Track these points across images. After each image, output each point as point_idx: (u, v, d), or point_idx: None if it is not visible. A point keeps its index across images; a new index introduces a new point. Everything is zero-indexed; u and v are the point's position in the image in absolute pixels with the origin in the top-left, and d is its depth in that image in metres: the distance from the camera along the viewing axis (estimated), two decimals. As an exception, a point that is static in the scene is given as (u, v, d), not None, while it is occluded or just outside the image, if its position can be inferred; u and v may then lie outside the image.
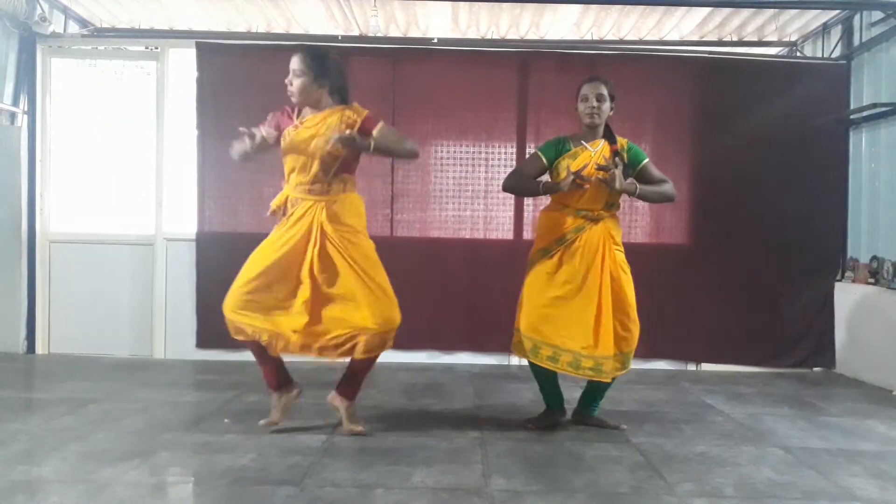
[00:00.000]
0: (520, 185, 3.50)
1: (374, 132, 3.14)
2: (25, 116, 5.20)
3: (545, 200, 4.99)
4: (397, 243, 5.08)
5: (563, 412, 3.51)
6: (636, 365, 5.06)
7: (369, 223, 4.97)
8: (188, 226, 5.10)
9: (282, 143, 3.15)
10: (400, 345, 5.01)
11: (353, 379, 3.30)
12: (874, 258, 4.86)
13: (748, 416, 3.81)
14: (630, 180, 3.31)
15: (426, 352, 5.17)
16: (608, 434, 3.39)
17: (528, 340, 3.28)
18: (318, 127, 3.10)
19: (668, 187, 3.42)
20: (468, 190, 5.16)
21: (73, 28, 5.48)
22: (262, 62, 5.01)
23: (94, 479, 2.63)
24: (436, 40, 5.51)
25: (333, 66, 3.20)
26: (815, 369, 5.15)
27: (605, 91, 3.28)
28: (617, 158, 3.29)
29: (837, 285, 5.14)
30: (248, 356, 4.92)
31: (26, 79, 5.19)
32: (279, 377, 3.28)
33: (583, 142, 3.34)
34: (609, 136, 3.36)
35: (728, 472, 2.88)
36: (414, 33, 5.69)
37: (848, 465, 3.01)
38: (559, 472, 2.85)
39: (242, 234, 4.98)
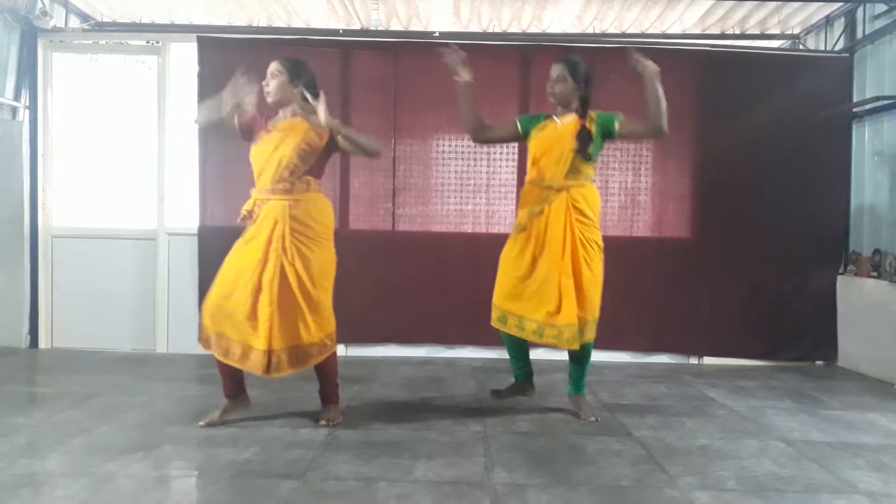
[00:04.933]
0: (475, 126, 3.61)
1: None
2: (27, 111, 5.19)
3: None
4: (399, 238, 5.08)
5: (531, 386, 3.74)
6: (638, 358, 5.12)
7: (372, 217, 5.07)
8: (190, 220, 5.10)
9: (252, 147, 3.28)
10: (402, 339, 5.12)
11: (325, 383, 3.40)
12: (876, 251, 4.85)
13: (750, 410, 3.81)
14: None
15: (428, 346, 5.18)
16: (610, 427, 3.40)
17: (496, 310, 3.52)
18: (287, 131, 3.23)
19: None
20: (470, 184, 5.16)
21: (74, 22, 5.48)
22: (263, 56, 4.93)
23: (98, 473, 2.64)
24: (437, 34, 5.51)
25: (308, 73, 3.33)
26: (818, 363, 5.15)
27: (562, 72, 3.44)
28: (582, 133, 3.37)
29: (840, 279, 5.13)
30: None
31: (28, 73, 5.18)
32: (236, 386, 3.35)
33: (554, 116, 3.53)
34: (582, 110, 3.47)
35: (730, 466, 2.88)
36: (415, 27, 5.68)
37: (850, 458, 3.01)
38: (561, 465, 2.85)
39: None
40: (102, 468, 2.69)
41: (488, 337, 5.10)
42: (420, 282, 5.06)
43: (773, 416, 3.68)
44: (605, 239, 3.43)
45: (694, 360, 5.18)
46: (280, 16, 5.54)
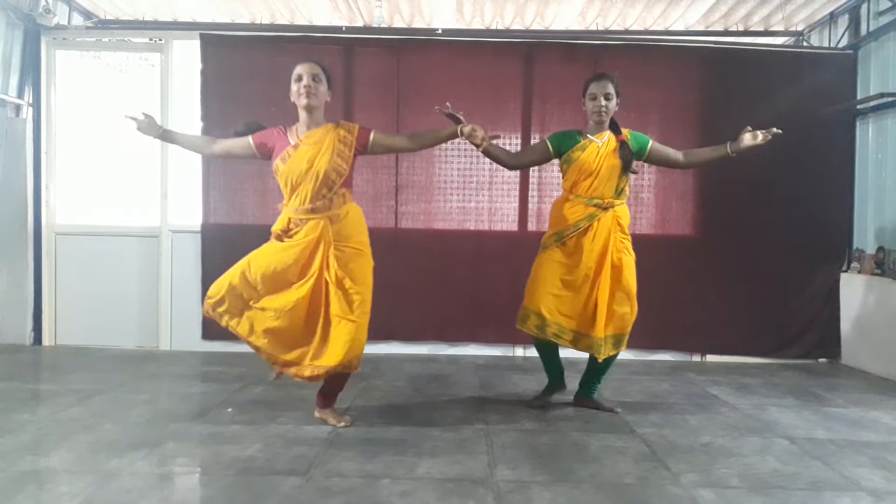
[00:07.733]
0: (507, 160, 3.65)
1: (371, 138, 3.22)
2: (30, 108, 5.21)
3: (550, 191, 5.03)
4: (402, 235, 5.09)
5: (563, 384, 3.77)
6: (642, 356, 5.12)
7: (375, 215, 5.08)
8: (193, 218, 5.11)
9: (280, 164, 3.12)
10: (405, 336, 5.13)
11: (333, 392, 3.39)
12: (880, 249, 4.85)
13: (753, 407, 3.81)
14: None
15: (431, 343, 5.18)
16: (613, 425, 3.40)
17: (536, 317, 3.47)
18: (319, 145, 3.10)
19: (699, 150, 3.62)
20: (472, 181, 5.15)
21: (78, 20, 5.49)
22: (266, 53, 5.01)
23: (102, 469, 2.65)
24: (440, 31, 5.50)
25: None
26: (821, 360, 5.14)
27: (612, 89, 3.45)
28: (624, 149, 3.46)
29: (843, 276, 5.12)
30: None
31: (31, 71, 5.20)
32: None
33: (589, 135, 3.51)
34: (614, 128, 3.52)
35: (733, 463, 2.88)
36: (418, 24, 5.67)
37: (853, 455, 3.01)
38: (564, 462, 2.86)
39: (247, 225, 4.99)
40: (107, 465, 2.70)
41: (491, 334, 5.15)
42: (423, 279, 5.06)
43: (777, 414, 3.68)
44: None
45: (697, 358, 5.17)
46: (283, 13, 5.54)
